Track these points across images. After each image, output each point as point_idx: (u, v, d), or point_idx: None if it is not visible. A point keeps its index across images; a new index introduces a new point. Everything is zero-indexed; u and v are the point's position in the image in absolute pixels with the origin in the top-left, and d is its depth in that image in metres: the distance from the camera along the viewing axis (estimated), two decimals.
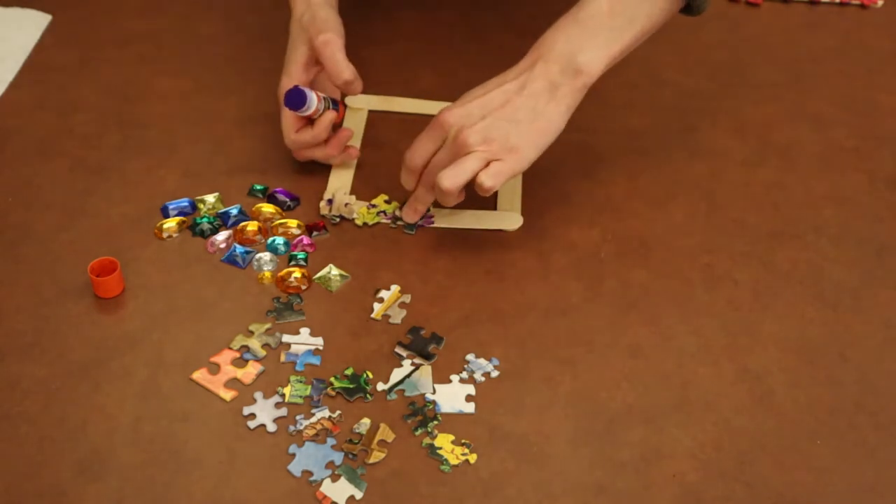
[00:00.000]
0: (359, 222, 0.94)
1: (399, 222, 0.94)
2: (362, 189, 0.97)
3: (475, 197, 0.90)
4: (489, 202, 0.96)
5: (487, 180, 0.86)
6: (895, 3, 1.29)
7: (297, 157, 0.97)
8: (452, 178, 0.86)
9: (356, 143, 1.02)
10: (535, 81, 0.87)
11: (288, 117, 0.93)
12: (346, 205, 0.95)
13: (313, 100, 0.91)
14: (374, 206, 0.96)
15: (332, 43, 0.92)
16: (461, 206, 0.92)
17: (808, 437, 0.80)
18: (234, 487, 0.74)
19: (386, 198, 0.96)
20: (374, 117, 1.06)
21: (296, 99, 0.90)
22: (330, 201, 0.95)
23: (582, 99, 0.89)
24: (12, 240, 0.91)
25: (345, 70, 0.92)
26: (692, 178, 1.02)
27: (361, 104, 1.07)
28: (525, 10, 1.23)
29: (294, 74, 0.94)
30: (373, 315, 0.86)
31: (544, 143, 0.88)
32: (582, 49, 0.87)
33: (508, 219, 0.95)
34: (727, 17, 1.26)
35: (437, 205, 0.93)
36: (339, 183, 0.97)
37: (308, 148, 0.96)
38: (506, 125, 0.86)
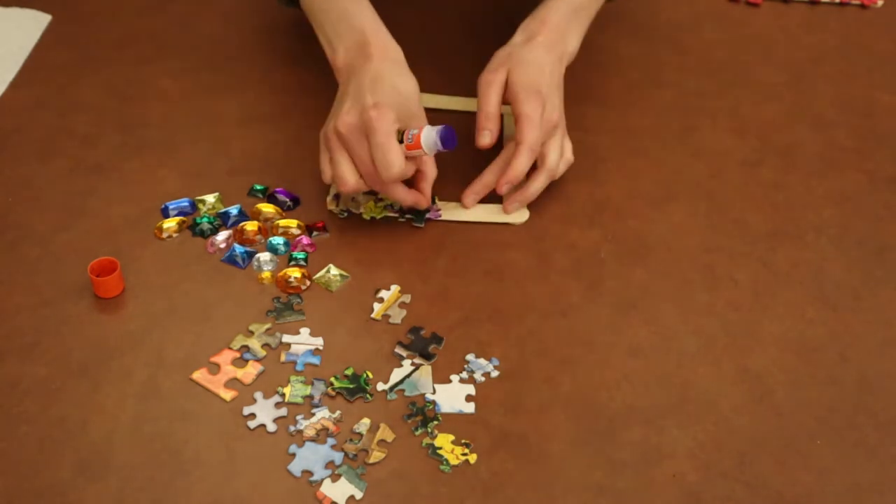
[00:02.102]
0: (366, 216, 0.94)
1: (407, 216, 0.94)
2: None
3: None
4: (494, 196, 0.96)
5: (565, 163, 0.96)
6: (895, 3, 1.29)
7: (379, 188, 0.90)
8: (554, 157, 0.94)
9: None
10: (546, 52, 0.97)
11: (396, 147, 0.86)
12: (353, 199, 0.95)
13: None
14: (380, 199, 0.96)
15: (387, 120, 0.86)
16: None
17: (808, 437, 0.80)
18: (234, 487, 0.74)
19: None
20: None
21: (452, 137, 0.86)
22: (337, 196, 0.95)
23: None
24: (12, 240, 0.91)
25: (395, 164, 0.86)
26: (692, 178, 1.02)
27: None
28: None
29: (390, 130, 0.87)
30: (373, 315, 0.86)
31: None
32: (569, 38, 1.00)
33: (515, 213, 0.96)
34: (727, 17, 1.26)
35: (443, 198, 0.94)
36: None
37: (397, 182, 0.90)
38: (559, 100, 0.96)
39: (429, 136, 0.87)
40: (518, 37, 0.98)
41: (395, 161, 0.85)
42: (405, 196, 0.91)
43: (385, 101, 0.87)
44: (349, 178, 0.88)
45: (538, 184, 0.94)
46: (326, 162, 0.90)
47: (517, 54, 0.96)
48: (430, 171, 0.92)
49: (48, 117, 1.04)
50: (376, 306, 0.87)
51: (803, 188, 1.02)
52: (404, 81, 0.91)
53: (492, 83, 0.94)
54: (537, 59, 0.95)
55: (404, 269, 0.90)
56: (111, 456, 0.75)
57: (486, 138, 0.93)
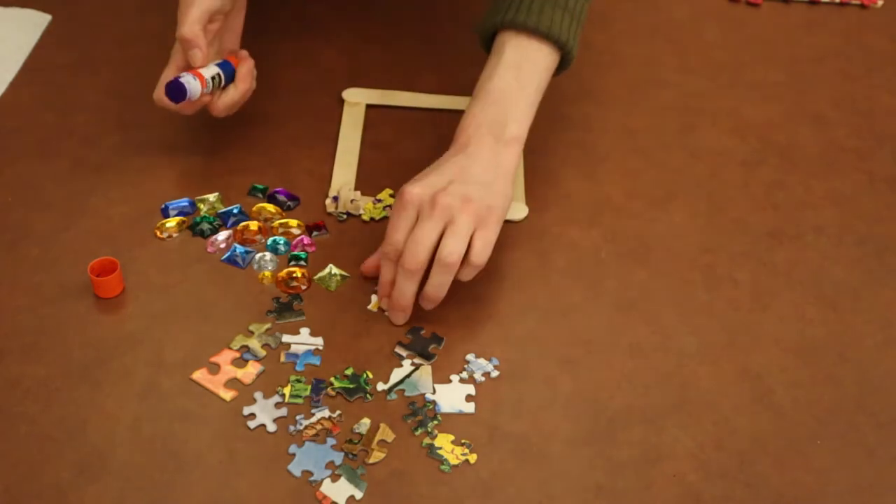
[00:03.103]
0: (365, 217, 0.94)
1: None
2: (366, 185, 0.97)
3: None
4: None
5: (481, 255, 0.82)
6: (895, 3, 1.29)
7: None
8: (453, 246, 0.81)
9: (356, 137, 1.02)
10: (478, 153, 0.86)
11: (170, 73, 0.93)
12: (352, 201, 0.95)
13: (196, 90, 0.91)
14: (379, 200, 0.96)
15: None
16: None
17: (808, 437, 0.80)
18: (234, 487, 0.74)
19: (391, 192, 0.97)
20: (374, 115, 1.06)
21: (175, 92, 0.90)
22: (335, 198, 0.95)
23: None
24: (12, 240, 0.91)
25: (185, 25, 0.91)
26: (692, 178, 1.02)
27: (359, 98, 1.07)
28: None
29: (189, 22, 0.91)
30: (369, 307, 0.86)
31: (508, 206, 0.86)
32: (506, 123, 0.87)
33: (514, 209, 0.96)
34: (727, 17, 1.26)
35: None
36: (343, 180, 0.98)
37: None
38: (474, 186, 0.83)
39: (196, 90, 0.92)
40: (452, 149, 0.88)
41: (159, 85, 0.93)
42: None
43: None
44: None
45: (436, 279, 0.82)
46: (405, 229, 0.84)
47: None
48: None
49: (48, 117, 1.04)
50: (374, 298, 0.87)
51: (803, 188, 1.02)
52: None
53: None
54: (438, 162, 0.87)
55: None
56: (111, 456, 0.75)
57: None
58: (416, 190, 0.83)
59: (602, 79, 1.14)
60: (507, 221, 0.95)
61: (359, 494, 0.74)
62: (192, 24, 0.91)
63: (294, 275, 0.89)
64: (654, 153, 1.05)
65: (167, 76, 0.93)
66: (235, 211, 0.94)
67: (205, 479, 0.74)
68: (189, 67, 0.93)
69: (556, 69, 0.92)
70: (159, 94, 0.93)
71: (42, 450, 0.75)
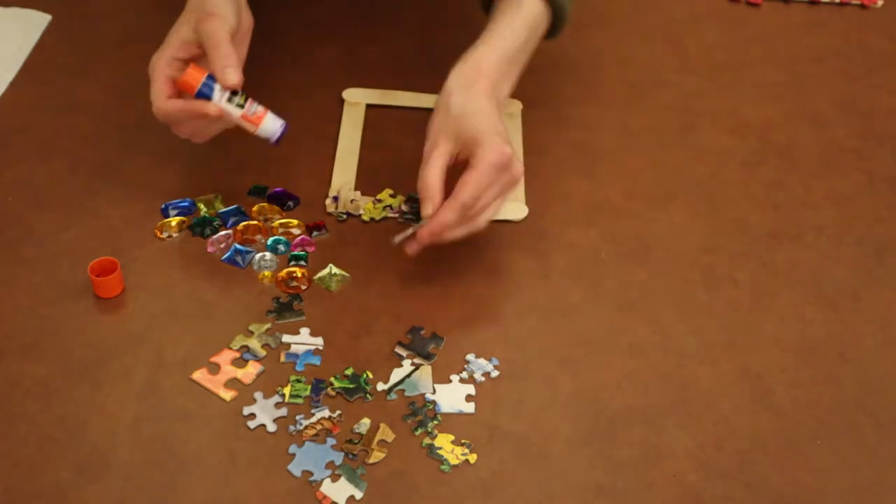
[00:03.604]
0: (365, 217, 0.94)
1: (406, 216, 0.94)
2: (366, 185, 0.97)
3: None
4: None
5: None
6: (895, 3, 1.29)
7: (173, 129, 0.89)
8: (491, 214, 0.87)
9: (356, 137, 1.02)
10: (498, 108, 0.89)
11: (159, 83, 0.86)
12: (352, 201, 0.95)
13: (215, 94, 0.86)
14: (379, 200, 0.96)
15: (217, 23, 0.85)
16: None
17: (808, 437, 0.80)
18: (234, 487, 0.74)
19: (391, 192, 0.97)
20: (374, 115, 1.06)
21: (282, 137, 0.88)
22: (335, 198, 0.95)
23: None
24: (12, 240, 0.91)
25: (224, 53, 0.85)
26: (692, 178, 1.02)
27: (359, 98, 1.07)
28: None
29: (170, 46, 0.87)
30: (397, 239, 0.85)
31: None
32: (506, 84, 0.92)
33: (514, 209, 0.96)
34: (727, 17, 1.26)
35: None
36: (343, 180, 0.98)
37: (178, 122, 0.88)
38: (518, 160, 0.89)
39: (272, 125, 0.88)
40: (453, 82, 0.88)
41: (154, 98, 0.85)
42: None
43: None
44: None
45: (461, 231, 0.86)
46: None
47: (461, 105, 0.87)
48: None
49: (48, 117, 1.04)
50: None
51: (803, 188, 1.02)
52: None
53: (437, 150, 0.86)
54: (483, 109, 0.87)
55: (404, 268, 0.90)
56: (111, 456, 0.75)
57: (427, 209, 0.85)
58: (511, 154, 0.85)
59: (602, 79, 1.14)
60: (507, 221, 0.95)
61: (359, 494, 0.74)
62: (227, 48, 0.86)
63: (294, 275, 0.89)
64: (654, 153, 1.05)
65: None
66: (235, 211, 0.94)
67: (205, 479, 0.74)
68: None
69: (549, 32, 0.95)
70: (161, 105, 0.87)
71: (42, 450, 0.75)
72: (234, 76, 0.86)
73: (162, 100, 0.86)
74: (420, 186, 0.85)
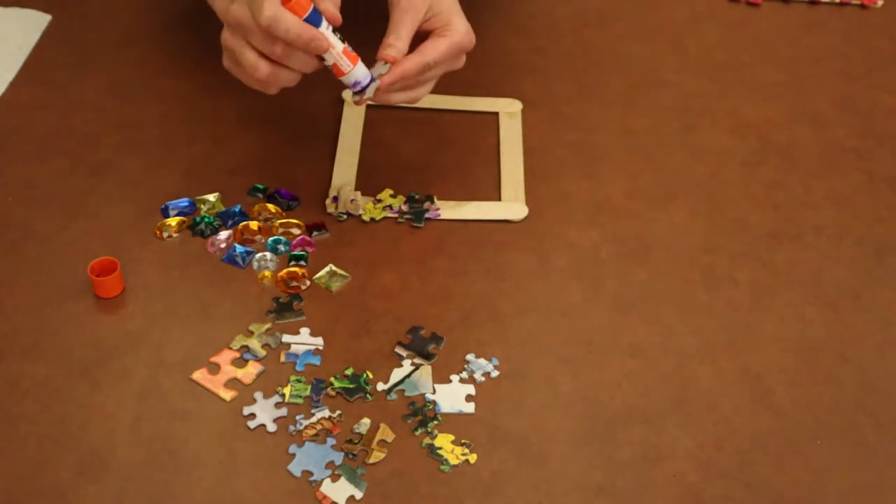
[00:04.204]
0: (365, 218, 0.94)
1: (406, 216, 0.94)
2: (366, 185, 0.97)
3: (479, 189, 0.91)
4: (493, 194, 0.96)
5: None
6: (895, 3, 1.29)
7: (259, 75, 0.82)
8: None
9: (356, 137, 1.02)
10: None
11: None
12: (352, 201, 0.95)
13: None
14: (379, 200, 0.96)
15: None
16: (465, 198, 0.94)
17: (808, 437, 0.80)
18: (234, 487, 0.74)
19: (391, 192, 0.97)
20: (373, 116, 1.06)
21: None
22: (335, 198, 0.95)
23: None
24: (12, 240, 0.91)
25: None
26: (692, 178, 1.02)
27: None
28: (524, 10, 1.23)
29: None
30: (365, 96, 0.85)
31: None
32: None
33: (514, 209, 0.96)
34: (727, 17, 1.26)
35: (442, 197, 0.95)
36: (343, 180, 0.98)
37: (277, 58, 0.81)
38: None
39: (363, 70, 0.84)
40: None
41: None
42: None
43: None
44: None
45: (423, 91, 0.88)
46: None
47: None
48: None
49: (48, 117, 1.04)
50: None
51: (803, 188, 1.02)
52: None
53: (415, 12, 0.86)
54: None
55: (404, 268, 0.90)
56: (111, 456, 0.75)
57: (391, 53, 0.84)
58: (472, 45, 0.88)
59: (602, 79, 1.14)
60: (507, 221, 0.95)
61: (359, 494, 0.74)
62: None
63: (294, 275, 0.89)
64: (654, 153, 1.05)
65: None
66: (235, 211, 0.94)
67: (205, 478, 0.74)
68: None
69: None
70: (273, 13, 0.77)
71: (42, 450, 0.75)
72: (336, 10, 0.81)
73: (277, 6, 0.75)
74: (391, 38, 0.85)
